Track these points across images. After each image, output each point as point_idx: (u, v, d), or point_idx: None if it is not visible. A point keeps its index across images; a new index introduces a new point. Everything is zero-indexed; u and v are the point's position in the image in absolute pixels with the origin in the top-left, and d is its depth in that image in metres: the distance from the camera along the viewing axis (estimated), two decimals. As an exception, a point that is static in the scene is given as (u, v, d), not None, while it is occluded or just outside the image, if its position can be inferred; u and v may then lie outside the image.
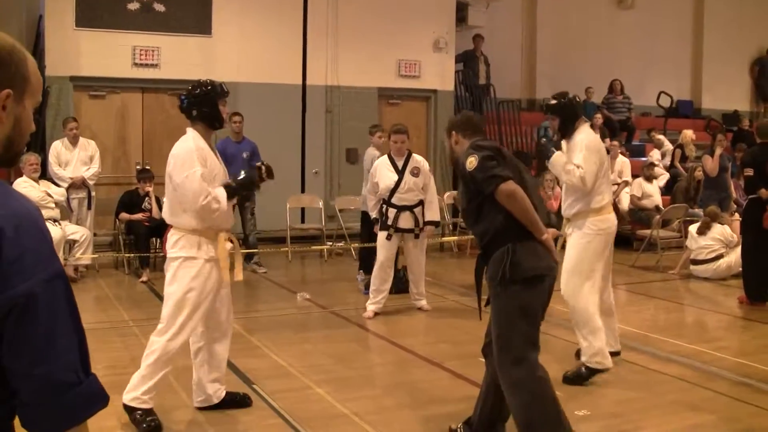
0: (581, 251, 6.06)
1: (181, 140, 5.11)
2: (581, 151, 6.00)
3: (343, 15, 13.91)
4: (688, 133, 15.68)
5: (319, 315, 8.68)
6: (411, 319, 8.35)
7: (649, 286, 10.30)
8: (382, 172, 8.39)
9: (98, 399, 1.83)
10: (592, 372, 5.99)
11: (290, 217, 12.46)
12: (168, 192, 5.11)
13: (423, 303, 8.63)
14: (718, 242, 10.39)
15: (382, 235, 8.38)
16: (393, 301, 8.69)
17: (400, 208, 8.30)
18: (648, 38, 18.23)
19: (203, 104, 5.12)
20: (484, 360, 4.66)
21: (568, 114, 6.18)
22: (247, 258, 11.09)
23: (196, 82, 5.26)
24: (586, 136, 6.12)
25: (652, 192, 13.16)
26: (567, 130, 6.19)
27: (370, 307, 8.33)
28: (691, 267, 10.73)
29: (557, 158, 6.18)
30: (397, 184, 8.29)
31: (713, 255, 10.41)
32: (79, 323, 1.83)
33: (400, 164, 8.36)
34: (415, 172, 8.32)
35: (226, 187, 5.01)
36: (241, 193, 5.21)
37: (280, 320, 8.26)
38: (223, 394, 5.36)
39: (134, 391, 4.99)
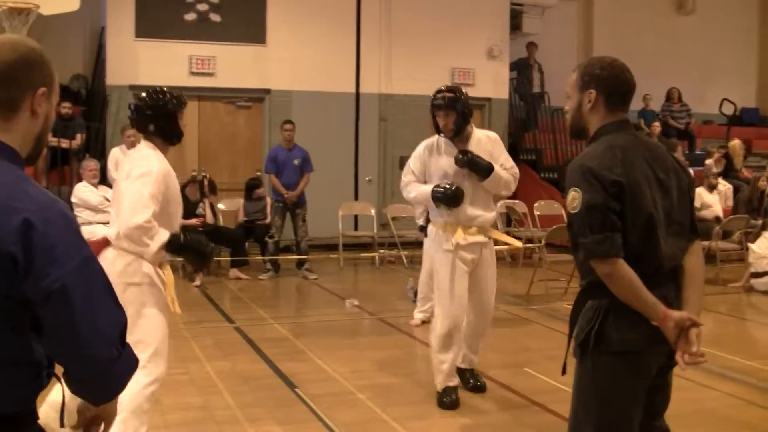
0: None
1: (144, 155, 4.24)
2: (502, 149, 5.63)
3: (397, 23, 13.94)
4: (737, 144, 15.30)
5: (367, 321, 8.68)
6: (459, 327, 8.28)
7: (707, 300, 10.00)
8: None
9: (134, 365, 2.03)
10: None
11: (342, 225, 12.49)
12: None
13: None
14: (778, 253, 10.10)
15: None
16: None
17: None
18: (709, 44, 17.85)
19: (161, 116, 4.29)
20: None
21: (465, 109, 5.51)
22: (298, 264, 11.16)
23: (150, 89, 4.42)
24: (488, 131, 5.79)
25: (713, 202, 12.83)
26: (462, 129, 5.51)
27: (417, 315, 8.26)
28: (752, 280, 10.45)
29: (500, 171, 5.49)
30: None
31: (773, 267, 10.12)
32: (116, 299, 1.97)
33: None
34: None
35: (173, 236, 4.11)
36: (183, 254, 4.35)
37: (328, 326, 8.27)
38: None
39: None
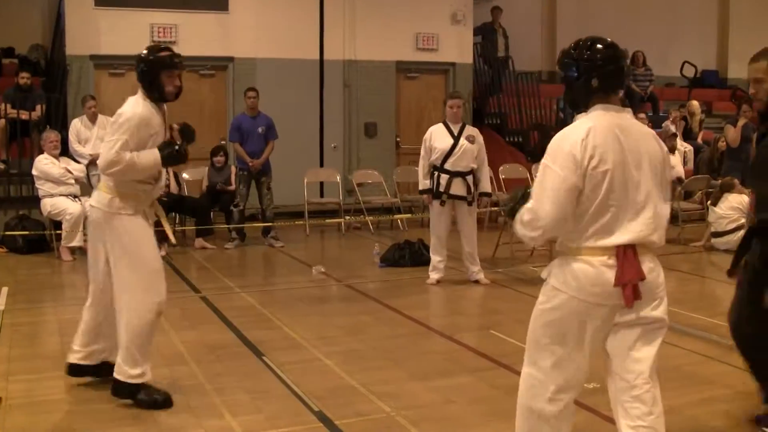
0: None
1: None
2: None
3: (360, -12, 13.84)
4: (695, 104, 15.48)
5: (334, 288, 8.68)
6: (424, 292, 8.33)
7: (670, 259, 10.15)
8: (437, 136, 8.35)
9: None
10: None
11: (308, 192, 12.45)
12: None
13: (481, 276, 8.55)
14: (738, 212, 10.21)
15: (435, 204, 8.35)
16: (408, 273, 8.69)
17: (453, 174, 8.25)
18: (672, 7, 17.99)
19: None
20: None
21: None
22: (264, 232, 11.12)
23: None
24: None
25: (674, 163, 12.99)
26: None
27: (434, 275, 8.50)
28: (712, 239, 10.60)
29: None
30: (452, 148, 8.25)
31: (733, 225, 10.22)
32: None
33: (455, 131, 8.33)
34: (471, 139, 8.33)
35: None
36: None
37: (295, 293, 8.28)
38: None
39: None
